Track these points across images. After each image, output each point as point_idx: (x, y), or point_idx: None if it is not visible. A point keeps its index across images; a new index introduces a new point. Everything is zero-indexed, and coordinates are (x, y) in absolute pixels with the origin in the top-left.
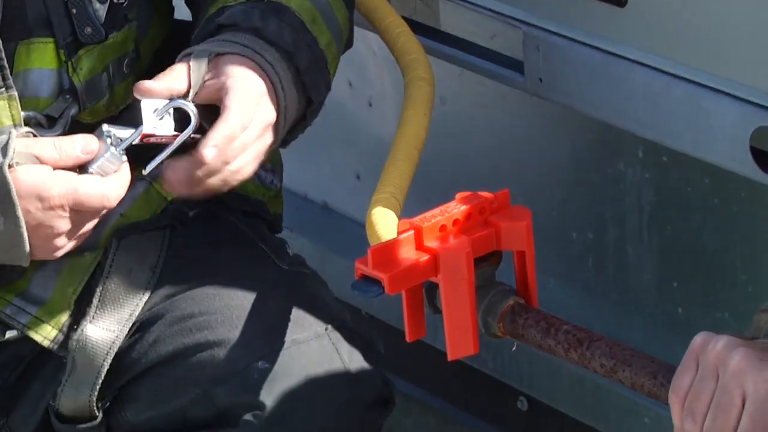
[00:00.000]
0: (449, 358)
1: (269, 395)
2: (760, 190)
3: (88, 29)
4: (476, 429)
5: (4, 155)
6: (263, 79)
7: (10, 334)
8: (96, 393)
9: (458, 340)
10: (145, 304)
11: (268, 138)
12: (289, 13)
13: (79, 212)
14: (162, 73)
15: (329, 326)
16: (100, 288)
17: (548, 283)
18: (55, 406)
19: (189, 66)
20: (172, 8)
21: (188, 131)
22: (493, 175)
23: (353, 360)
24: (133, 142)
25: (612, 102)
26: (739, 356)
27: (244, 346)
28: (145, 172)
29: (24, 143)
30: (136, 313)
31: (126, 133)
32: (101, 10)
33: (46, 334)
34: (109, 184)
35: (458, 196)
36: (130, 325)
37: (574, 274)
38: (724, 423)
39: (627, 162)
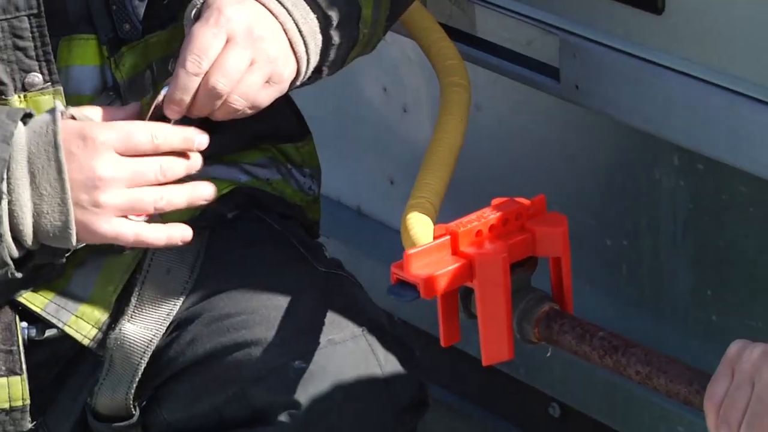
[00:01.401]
0: (484, 363)
1: (305, 395)
2: None
3: (127, 26)
4: None
5: (54, 111)
6: (247, 5)
7: (49, 332)
8: (133, 391)
9: (493, 346)
10: (183, 303)
11: (269, 50)
12: None
13: (130, 154)
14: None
15: (365, 328)
16: (139, 287)
17: (582, 290)
18: (91, 405)
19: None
20: None
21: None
22: (528, 181)
23: (389, 362)
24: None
25: (648, 110)
26: None
27: (281, 346)
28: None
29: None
30: (174, 312)
31: None
32: (140, 7)
33: (86, 333)
34: (158, 125)
35: (494, 201)
36: (168, 323)
37: (609, 280)
38: (760, 431)
39: (662, 169)
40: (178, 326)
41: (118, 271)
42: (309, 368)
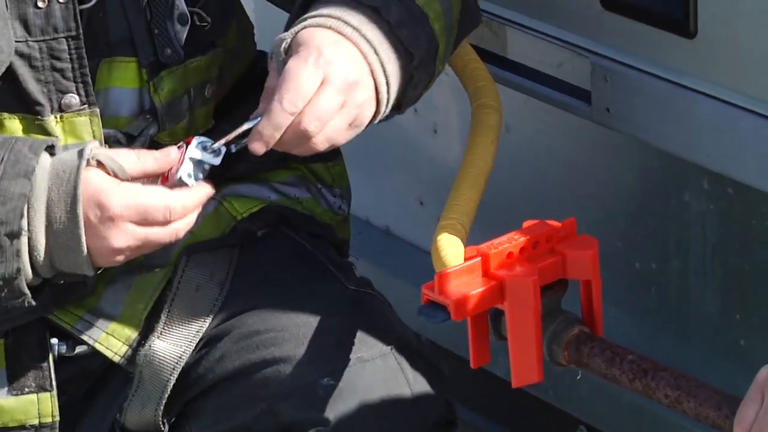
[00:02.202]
0: (513, 385)
1: (333, 412)
2: None
3: (168, 50)
4: None
5: (80, 156)
6: (342, 46)
7: (79, 348)
8: (162, 408)
9: (523, 368)
10: (212, 320)
11: (358, 95)
12: None
13: (145, 225)
14: (265, 87)
15: (394, 346)
16: (169, 304)
17: (610, 312)
18: (121, 421)
19: (273, 67)
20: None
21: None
22: (557, 203)
23: (417, 381)
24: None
25: (679, 133)
26: None
27: (310, 363)
28: (215, 145)
29: (103, 150)
30: (204, 329)
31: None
32: (182, 32)
33: (116, 350)
34: (175, 197)
35: (525, 223)
36: (197, 340)
37: (637, 303)
38: None
39: (692, 193)
40: (207, 343)
41: (148, 289)
42: (337, 386)
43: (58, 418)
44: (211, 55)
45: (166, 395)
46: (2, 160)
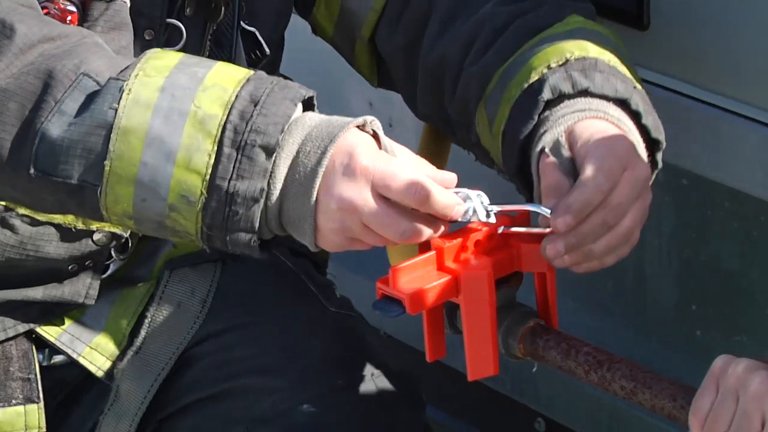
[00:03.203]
0: (469, 378)
1: None
2: None
3: None
4: None
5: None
6: (623, 136)
7: (57, 359)
8: (136, 424)
9: (479, 361)
10: (192, 337)
11: (648, 195)
12: (602, 64)
13: (383, 193)
14: (544, 184)
15: (375, 372)
16: (149, 319)
17: (567, 305)
18: None
19: (554, 163)
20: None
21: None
22: (514, 196)
23: (397, 406)
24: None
25: None
26: (759, 379)
27: (289, 389)
28: (494, 208)
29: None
30: (183, 347)
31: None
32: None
33: (99, 365)
34: (432, 184)
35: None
36: (177, 358)
37: (593, 295)
38: None
39: None
40: (186, 362)
41: (132, 304)
42: (316, 412)
43: (44, 430)
44: None
45: (142, 412)
46: (272, 82)
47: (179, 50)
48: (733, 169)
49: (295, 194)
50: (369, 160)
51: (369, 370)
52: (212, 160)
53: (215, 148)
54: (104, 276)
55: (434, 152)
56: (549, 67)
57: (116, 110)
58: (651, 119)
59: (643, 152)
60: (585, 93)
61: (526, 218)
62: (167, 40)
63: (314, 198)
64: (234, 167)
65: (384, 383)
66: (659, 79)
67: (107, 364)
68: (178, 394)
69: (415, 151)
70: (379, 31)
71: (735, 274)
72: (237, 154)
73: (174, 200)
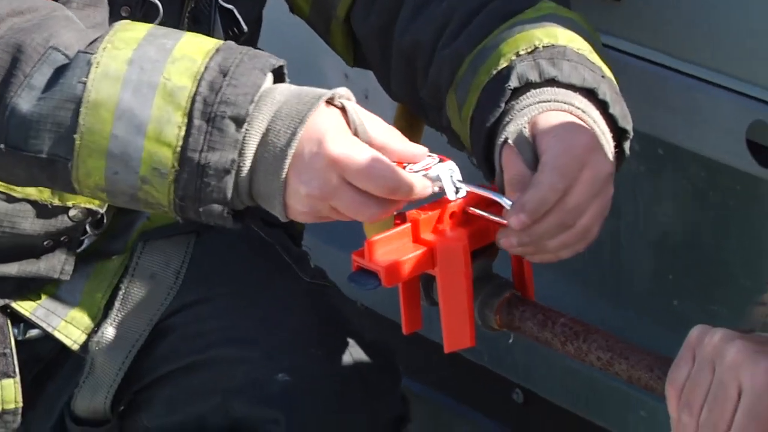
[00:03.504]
0: (446, 350)
1: (287, 409)
2: (756, 183)
3: None
4: (471, 421)
5: (327, 92)
6: (585, 131)
7: (32, 333)
8: (112, 396)
9: (455, 333)
10: (166, 309)
11: (609, 191)
12: (571, 52)
13: (356, 182)
14: (507, 177)
15: (350, 341)
16: (123, 291)
17: (543, 276)
18: (71, 408)
19: (516, 154)
20: None
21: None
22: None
23: (372, 376)
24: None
25: None
26: (736, 349)
27: (264, 359)
28: (463, 185)
29: (354, 102)
30: (157, 318)
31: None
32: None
33: (75, 338)
34: (404, 175)
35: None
36: (151, 329)
37: (570, 266)
38: (720, 415)
39: None
40: (161, 333)
41: (106, 277)
42: (292, 382)
43: (21, 404)
44: None
45: (117, 384)
46: (241, 52)
47: None
48: (709, 139)
49: (264, 171)
50: (338, 149)
51: (344, 340)
52: (183, 132)
53: (185, 120)
54: (79, 251)
55: (408, 126)
56: (518, 54)
57: (85, 84)
58: (618, 108)
59: (608, 144)
60: (552, 82)
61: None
62: (144, 16)
63: (283, 178)
64: (205, 139)
65: (359, 354)
66: (634, 49)
67: (82, 338)
68: (152, 365)
69: (391, 122)
70: (354, 11)
71: (711, 244)
72: (207, 126)
73: (146, 172)
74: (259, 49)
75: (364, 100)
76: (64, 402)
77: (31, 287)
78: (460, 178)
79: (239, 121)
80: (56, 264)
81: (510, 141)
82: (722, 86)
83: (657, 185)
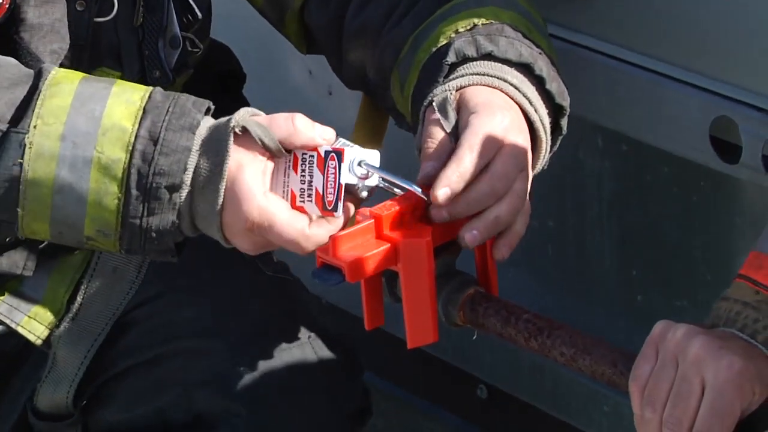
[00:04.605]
0: (409, 346)
1: (249, 401)
2: (719, 179)
3: (157, 72)
4: (435, 416)
5: (227, 125)
6: (507, 113)
7: None
8: (74, 390)
9: (418, 329)
10: (129, 303)
11: (527, 175)
12: (509, 29)
13: (264, 246)
14: (425, 145)
15: (312, 335)
16: (85, 286)
17: (508, 272)
18: (33, 402)
19: (437, 120)
20: None
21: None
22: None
23: (334, 370)
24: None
25: (571, 91)
26: (699, 344)
27: (226, 352)
28: (372, 175)
29: (254, 117)
30: (120, 312)
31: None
32: (173, 55)
33: (39, 334)
34: (307, 235)
35: (419, 184)
36: (113, 323)
37: (535, 262)
38: (684, 411)
39: (587, 151)
40: (123, 327)
41: (69, 272)
42: (254, 375)
43: None
44: (185, 76)
45: (79, 378)
46: (167, 110)
47: (113, 20)
48: (672, 135)
49: (202, 224)
50: (251, 211)
51: (306, 333)
52: (122, 202)
53: (123, 190)
54: (41, 246)
55: (372, 120)
56: (457, 32)
57: (21, 165)
58: (555, 85)
59: (542, 121)
60: (489, 57)
61: None
62: (99, 9)
63: (221, 235)
64: (144, 207)
65: (321, 347)
66: (600, 45)
67: (46, 333)
68: (115, 359)
69: (355, 118)
70: (309, 3)
71: (675, 240)
72: (144, 196)
73: (90, 233)
74: (214, 41)
75: (327, 96)
76: (26, 397)
77: None
78: (372, 164)
79: (174, 188)
80: (18, 260)
81: (435, 104)
82: (686, 82)
83: (621, 181)
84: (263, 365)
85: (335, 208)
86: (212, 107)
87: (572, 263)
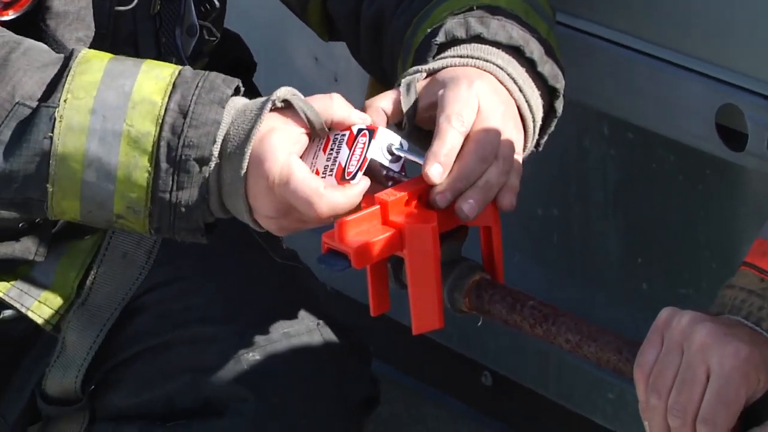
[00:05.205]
0: (414, 332)
1: (257, 387)
2: (725, 167)
3: (173, 60)
4: (440, 403)
5: (267, 99)
6: (488, 79)
7: (6, 313)
8: (82, 375)
9: (423, 315)
10: (138, 288)
11: (512, 127)
12: (505, 12)
13: (285, 210)
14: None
15: (320, 322)
16: (95, 270)
17: (513, 259)
18: (42, 387)
19: (398, 91)
20: None
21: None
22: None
23: (342, 357)
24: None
25: (576, 78)
26: (704, 331)
27: (235, 338)
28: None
29: (299, 95)
30: (129, 297)
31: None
32: (189, 43)
33: (48, 318)
34: (321, 194)
35: None
36: (122, 308)
37: (540, 250)
38: (689, 398)
39: (592, 139)
40: (132, 312)
41: (79, 256)
42: (263, 361)
43: None
44: (201, 64)
45: (88, 362)
46: (197, 85)
47: (132, 8)
48: (678, 123)
49: (228, 194)
50: (273, 168)
51: (315, 321)
52: (151, 176)
53: (152, 164)
54: (53, 231)
55: None
56: (452, 14)
57: (51, 139)
58: (548, 67)
59: (527, 99)
60: (478, 39)
61: None
62: (119, 1)
63: (245, 203)
64: (173, 180)
65: (330, 335)
66: (603, 32)
67: (55, 318)
68: (124, 344)
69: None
70: None
71: (680, 228)
72: (174, 169)
73: (120, 211)
74: (227, 30)
75: (333, 83)
76: (35, 381)
77: (5, 268)
78: (399, 145)
79: (204, 161)
80: (31, 246)
81: (402, 84)
82: (692, 69)
83: (626, 169)
84: (271, 352)
85: (354, 177)
86: (242, 86)
87: (577, 251)
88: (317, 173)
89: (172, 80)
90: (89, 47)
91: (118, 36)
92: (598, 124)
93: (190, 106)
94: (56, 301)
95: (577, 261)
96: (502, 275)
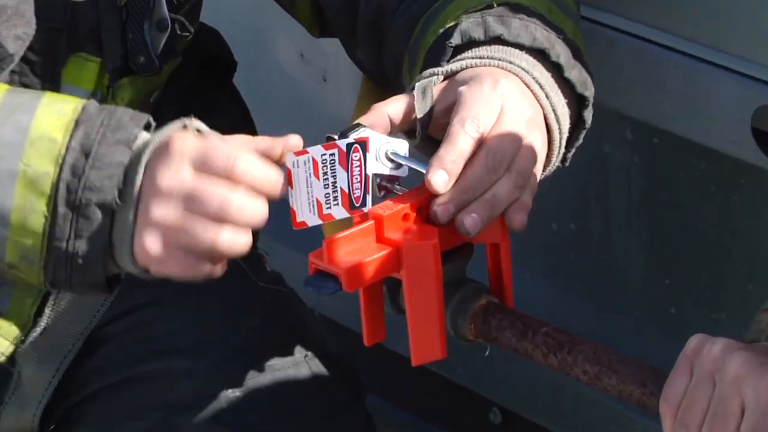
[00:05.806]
0: (413, 363)
1: (240, 427)
2: (762, 176)
3: (142, 58)
4: None
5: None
6: (515, 80)
7: None
8: (41, 413)
9: (423, 344)
10: (103, 315)
11: (535, 134)
12: (527, 11)
13: (202, 171)
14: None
15: (308, 353)
16: (53, 296)
17: (525, 280)
18: None
19: (411, 96)
20: None
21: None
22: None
23: (333, 392)
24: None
25: (597, 76)
26: (739, 361)
27: (213, 372)
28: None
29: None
30: (92, 326)
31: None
32: (160, 39)
33: (3, 350)
34: (240, 144)
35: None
36: (84, 339)
37: (555, 269)
38: None
39: (613, 144)
40: (97, 343)
41: None
42: (244, 397)
43: None
44: (172, 62)
45: (47, 399)
46: (102, 123)
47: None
48: (709, 127)
49: (120, 225)
50: (181, 141)
51: (303, 351)
52: (48, 222)
53: (50, 208)
54: None
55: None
56: (467, 12)
57: None
58: (576, 73)
59: (554, 107)
60: (498, 41)
61: None
62: None
63: (132, 224)
64: (71, 227)
65: (319, 367)
66: (627, 25)
67: (10, 349)
68: (87, 378)
69: (353, 107)
70: None
71: (712, 244)
72: (72, 213)
73: (13, 260)
74: (204, 24)
75: (322, 82)
76: None
77: None
78: (400, 153)
79: (106, 207)
80: None
81: (416, 88)
82: (725, 67)
83: (652, 178)
84: (253, 388)
85: (363, 204)
86: (152, 123)
87: (596, 270)
88: (319, 204)
89: (75, 116)
90: (39, 44)
91: (77, 32)
92: (620, 127)
93: (93, 145)
94: (11, 330)
95: (596, 281)
96: (511, 298)
